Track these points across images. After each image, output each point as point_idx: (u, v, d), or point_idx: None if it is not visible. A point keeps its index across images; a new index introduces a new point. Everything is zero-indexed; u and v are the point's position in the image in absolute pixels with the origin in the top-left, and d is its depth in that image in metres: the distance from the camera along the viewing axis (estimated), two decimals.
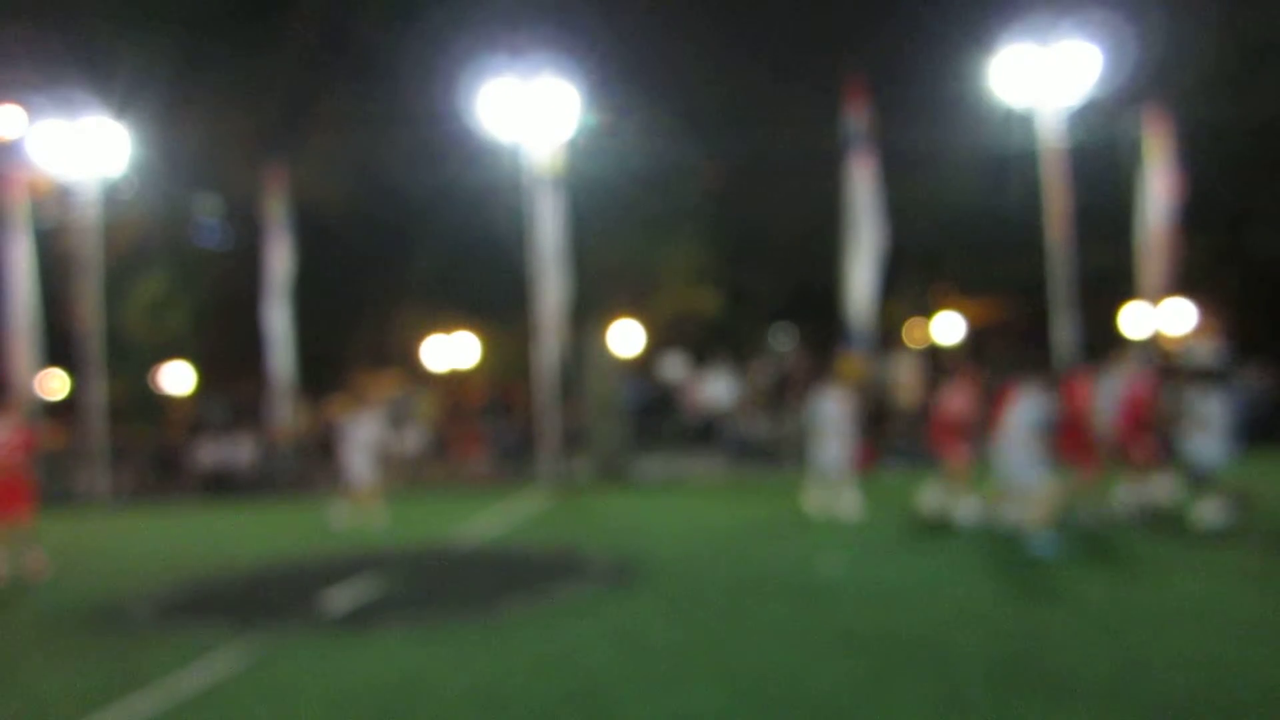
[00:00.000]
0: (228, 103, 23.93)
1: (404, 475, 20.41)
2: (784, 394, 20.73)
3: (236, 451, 21.34)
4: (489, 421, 22.82)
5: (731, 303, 25.58)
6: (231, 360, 25.10)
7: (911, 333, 27.04)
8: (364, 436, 14.46)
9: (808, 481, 12.80)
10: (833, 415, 12.23)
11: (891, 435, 19.37)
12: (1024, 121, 19.51)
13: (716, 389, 20.33)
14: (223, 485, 20.66)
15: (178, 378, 26.18)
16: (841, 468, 12.27)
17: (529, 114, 19.24)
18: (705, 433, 20.10)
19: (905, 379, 20.13)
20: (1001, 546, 9.53)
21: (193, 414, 25.78)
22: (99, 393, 20.83)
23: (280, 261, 20.96)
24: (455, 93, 20.59)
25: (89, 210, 21.27)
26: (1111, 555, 8.85)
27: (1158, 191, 18.64)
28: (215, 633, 7.58)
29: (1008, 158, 20.65)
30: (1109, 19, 18.67)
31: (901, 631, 6.56)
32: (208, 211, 27.30)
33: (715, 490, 16.83)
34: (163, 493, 20.94)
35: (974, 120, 21.15)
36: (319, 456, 21.74)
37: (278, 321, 20.88)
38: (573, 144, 19.93)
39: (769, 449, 19.50)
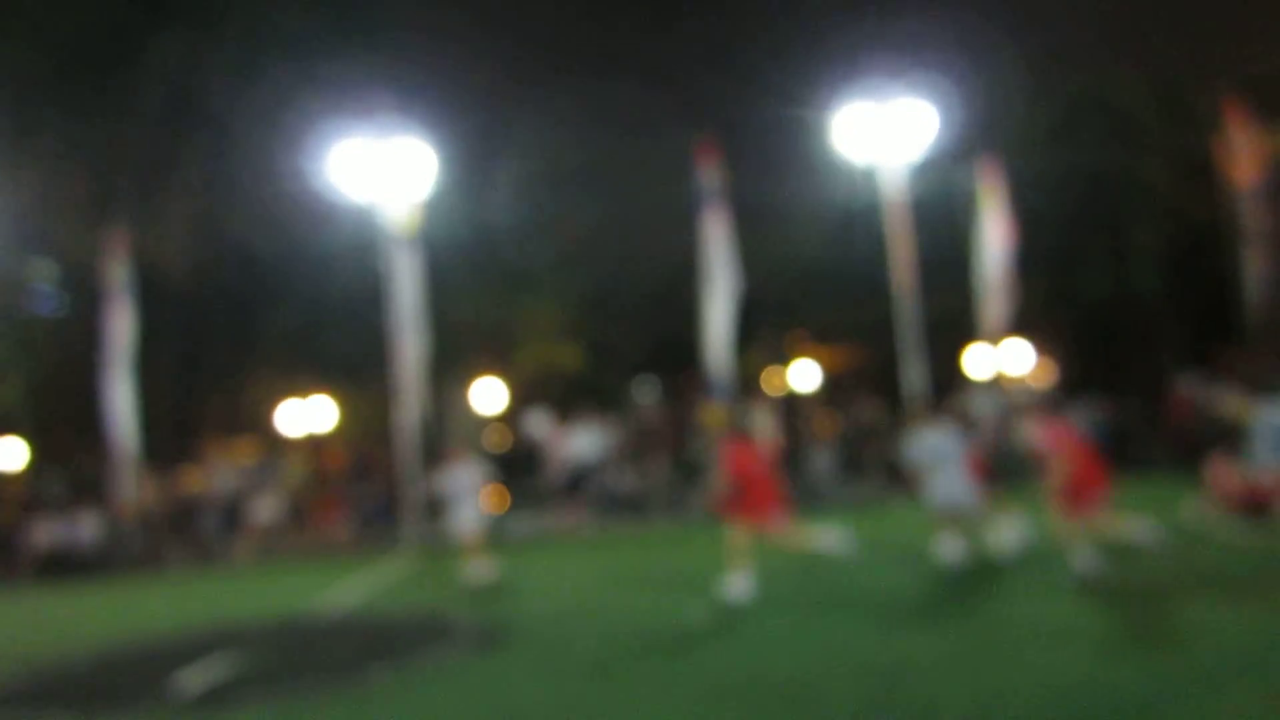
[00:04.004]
0: (63, 164, 23.01)
1: (261, 544, 19.67)
2: (647, 446, 20.86)
3: (76, 529, 20.15)
4: (350, 486, 22.23)
5: (593, 357, 25.72)
6: (70, 432, 23.82)
7: (770, 381, 27.66)
8: (469, 484, 12.99)
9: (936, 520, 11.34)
10: (945, 448, 10.88)
11: None
12: (867, 176, 20.37)
13: (581, 444, 20.32)
14: (62, 565, 19.44)
15: (9, 453, 24.67)
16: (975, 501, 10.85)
17: (382, 174, 19.05)
18: (572, 488, 20.01)
19: (764, 426, 20.50)
20: (858, 580, 9.78)
21: (27, 491, 24.28)
22: None
23: (122, 328, 20.04)
24: (306, 153, 20.30)
25: None
26: (976, 582, 9.17)
27: (993, 238, 19.69)
28: None
29: (853, 211, 21.51)
30: (941, 79, 19.76)
31: (770, 675, 6.64)
32: (42, 277, 26.00)
33: (583, 545, 16.75)
34: None
35: (820, 176, 22.02)
36: (167, 531, 20.77)
37: (119, 390, 19.92)
38: (428, 203, 19.80)
39: (636, 501, 19.56)
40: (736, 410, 19.19)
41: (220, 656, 8.99)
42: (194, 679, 8.19)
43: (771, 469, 10.58)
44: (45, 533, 20.14)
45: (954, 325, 21.31)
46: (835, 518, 14.93)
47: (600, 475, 20.00)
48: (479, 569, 12.63)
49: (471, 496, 12.87)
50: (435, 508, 13.41)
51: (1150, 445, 19.15)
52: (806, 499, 18.54)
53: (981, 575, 9.72)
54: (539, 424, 21.92)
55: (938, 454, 10.66)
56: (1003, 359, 22.20)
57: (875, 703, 5.76)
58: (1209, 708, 5.21)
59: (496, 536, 18.44)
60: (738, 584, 9.60)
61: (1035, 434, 10.06)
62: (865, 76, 19.55)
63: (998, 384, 21.85)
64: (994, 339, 20.40)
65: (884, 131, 19.29)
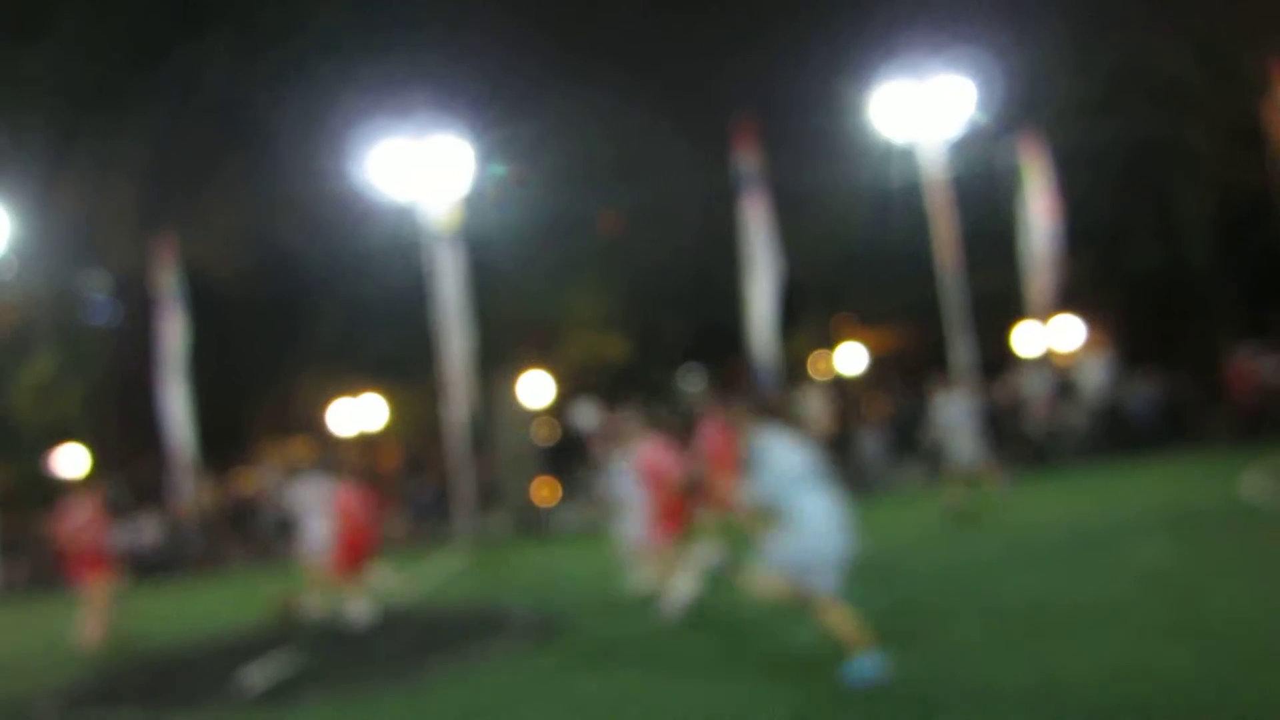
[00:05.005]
0: (110, 175, 23.42)
1: None
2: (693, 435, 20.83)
3: (139, 533, 20.59)
4: (402, 482, 22.47)
5: (639, 348, 25.75)
6: (129, 439, 24.30)
7: (816, 365, 27.52)
8: (316, 500, 11.49)
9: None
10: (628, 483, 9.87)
11: None
12: (907, 155, 20.17)
13: None
14: (126, 569, 19.85)
15: (72, 460, 25.23)
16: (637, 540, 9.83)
17: (423, 172, 19.19)
18: None
19: (815, 411, 20.42)
20: (908, 563, 9.72)
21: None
22: None
23: (174, 335, 20.40)
24: (348, 154, 20.48)
25: None
26: (1026, 561, 9.08)
27: (1038, 214, 19.42)
28: None
29: (894, 190, 21.31)
30: (979, 53, 19.50)
31: (826, 657, 6.61)
32: (95, 288, 26.52)
33: None
34: (61, 581, 20.03)
35: (860, 156, 21.82)
36: (225, 531, 21.13)
37: (175, 396, 20.29)
38: (470, 200, 19.93)
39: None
40: (787, 397, 19.11)
41: (282, 653, 9.15)
42: (257, 675, 8.34)
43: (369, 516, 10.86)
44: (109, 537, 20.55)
45: (1001, 303, 21.07)
46: (883, 503, 14.93)
47: None
48: (322, 601, 11.18)
49: (317, 515, 11.31)
50: (283, 528, 12.11)
51: (1207, 419, 18.83)
52: (857, 484, 18.47)
53: (1022, 564, 9.61)
54: (586, 416, 21.98)
55: (625, 487, 9.83)
56: (1053, 336, 21.91)
57: (933, 683, 5.73)
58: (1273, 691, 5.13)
59: (545, 529, 18.58)
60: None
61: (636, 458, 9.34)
62: (902, 54, 19.36)
63: (1049, 362, 21.58)
64: (1043, 316, 20.15)
65: (923, 109, 19.10)
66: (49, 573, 20.60)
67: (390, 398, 26.48)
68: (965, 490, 12.73)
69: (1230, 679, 5.23)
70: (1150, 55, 22.97)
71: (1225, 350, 20.02)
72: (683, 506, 9.17)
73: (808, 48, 22.86)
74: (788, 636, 7.49)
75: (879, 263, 23.91)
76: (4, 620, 16.32)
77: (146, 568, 19.85)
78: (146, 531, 20.62)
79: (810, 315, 25.17)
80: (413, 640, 9.52)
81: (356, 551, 10.62)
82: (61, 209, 22.84)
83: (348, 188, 20.85)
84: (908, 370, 25.29)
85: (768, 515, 5.92)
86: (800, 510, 5.83)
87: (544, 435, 24.18)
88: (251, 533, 21.04)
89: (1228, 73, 21.74)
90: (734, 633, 7.82)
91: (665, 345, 26.22)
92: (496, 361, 21.57)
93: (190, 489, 20.55)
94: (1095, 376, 20.19)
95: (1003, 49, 20.21)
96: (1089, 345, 22.97)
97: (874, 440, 19.81)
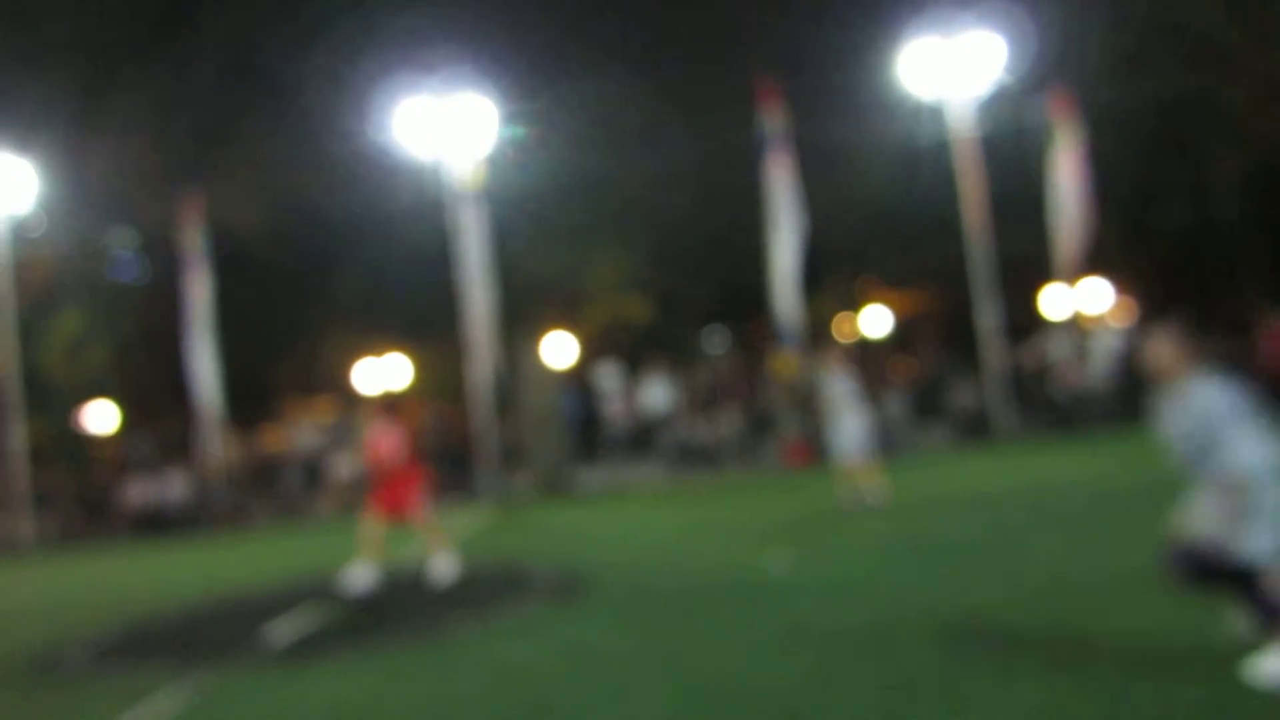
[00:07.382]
0: (136, 132, 23.49)
1: (342, 500, 20.13)
2: (718, 397, 20.84)
3: (166, 488, 20.86)
4: (427, 442, 22.58)
5: (662, 309, 25.70)
6: (157, 395, 24.57)
7: (841, 327, 27.39)
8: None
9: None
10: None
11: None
12: (934, 113, 19.91)
13: (653, 395, 20.38)
14: (154, 524, 20.16)
15: (101, 416, 25.53)
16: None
17: (447, 130, 19.12)
18: (644, 440, 20.12)
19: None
20: (929, 530, 9.71)
21: (119, 453, 25.15)
22: (19, 436, 20.25)
23: (200, 292, 20.54)
24: (372, 112, 20.45)
25: None
26: (1053, 527, 9.05)
27: (1067, 173, 19.14)
28: (155, 674, 7.39)
29: (921, 149, 21.06)
30: (1010, 9, 19.17)
31: (848, 624, 6.63)
32: (122, 245, 26.68)
33: (657, 497, 16.86)
34: (91, 535, 20.38)
35: (886, 114, 21.55)
36: (251, 488, 21.37)
37: (202, 353, 20.46)
38: (493, 158, 19.86)
39: (708, 452, 19.59)
40: (807, 359, 19.06)
41: (306, 609, 9.26)
42: (282, 631, 8.45)
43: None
44: (137, 492, 20.89)
45: (1029, 265, 20.85)
46: (906, 466, 14.90)
47: (672, 427, 20.06)
48: None
49: None
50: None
51: (1240, 383, 18.59)
52: (880, 447, 18.41)
53: (1048, 529, 9.57)
54: (609, 377, 22.01)
55: None
56: (1080, 298, 21.69)
57: (954, 647, 5.73)
58: None
59: (569, 490, 18.67)
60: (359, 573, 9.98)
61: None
62: (931, 9, 19.06)
63: (1075, 324, 21.38)
64: (1070, 278, 19.93)
65: (951, 66, 18.82)
66: (81, 526, 20.98)
67: (415, 357, 26.59)
68: (855, 480, 12.04)
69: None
70: (1183, 11, 22.51)
71: (1256, 313, 19.74)
72: None
73: (834, 3, 22.50)
74: (809, 607, 7.52)
75: (905, 223, 23.70)
76: (36, 572, 16.60)
77: (174, 523, 20.15)
78: (174, 487, 20.87)
79: (835, 276, 25.02)
80: (436, 598, 9.61)
81: None
82: (89, 166, 22.95)
83: (372, 146, 20.83)
84: (928, 332, 25.14)
85: None
86: None
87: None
88: (277, 489, 21.27)
89: (1262, 29, 21.27)
90: (757, 599, 7.84)
91: (689, 306, 26.16)
92: (520, 322, 21.59)
93: (217, 446, 20.76)
94: (1109, 344, 20.00)
95: (1033, 5, 19.85)
96: (1113, 310, 22.72)
97: (898, 403, 19.73)
